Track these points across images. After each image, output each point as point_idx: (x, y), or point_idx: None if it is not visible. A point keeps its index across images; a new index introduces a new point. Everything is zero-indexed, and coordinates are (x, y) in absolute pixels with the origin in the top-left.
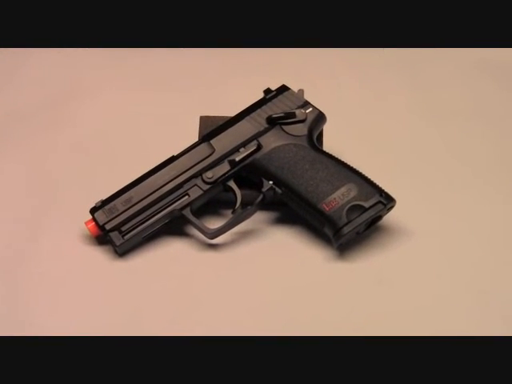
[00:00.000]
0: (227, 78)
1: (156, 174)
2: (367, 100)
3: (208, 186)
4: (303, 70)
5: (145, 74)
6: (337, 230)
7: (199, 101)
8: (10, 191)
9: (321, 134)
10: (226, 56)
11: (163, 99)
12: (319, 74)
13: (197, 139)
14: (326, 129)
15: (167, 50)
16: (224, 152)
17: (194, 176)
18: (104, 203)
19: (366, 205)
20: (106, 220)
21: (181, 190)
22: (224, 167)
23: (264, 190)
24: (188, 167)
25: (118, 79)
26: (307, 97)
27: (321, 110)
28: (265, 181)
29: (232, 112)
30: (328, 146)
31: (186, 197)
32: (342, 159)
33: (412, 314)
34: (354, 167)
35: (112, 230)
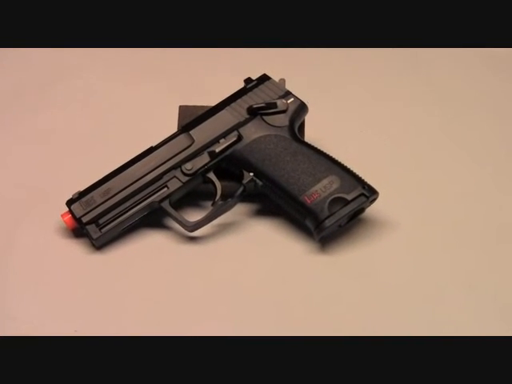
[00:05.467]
0: (208, 68)
1: (134, 165)
2: (350, 91)
3: (187, 178)
4: (286, 67)
5: (123, 65)
6: (319, 223)
7: (178, 90)
8: None
9: (302, 125)
10: (207, 51)
11: (142, 89)
12: (302, 67)
13: (176, 129)
14: (308, 119)
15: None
16: (204, 143)
17: (173, 167)
18: (81, 195)
19: (349, 197)
20: (83, 212)
21: (160, 182)
22: (204, 158)
23: (244, 181)
24: (167, 158)
25: (96, 69)
26: (289, 88)
27: (303, 100)
28: (245, 172)
29: (212, 102)
30: (310, 137)
31: (165, 189)
32: (324, 151)
33: (395, 308)
34: (337, 159)
35: (89, 222)
